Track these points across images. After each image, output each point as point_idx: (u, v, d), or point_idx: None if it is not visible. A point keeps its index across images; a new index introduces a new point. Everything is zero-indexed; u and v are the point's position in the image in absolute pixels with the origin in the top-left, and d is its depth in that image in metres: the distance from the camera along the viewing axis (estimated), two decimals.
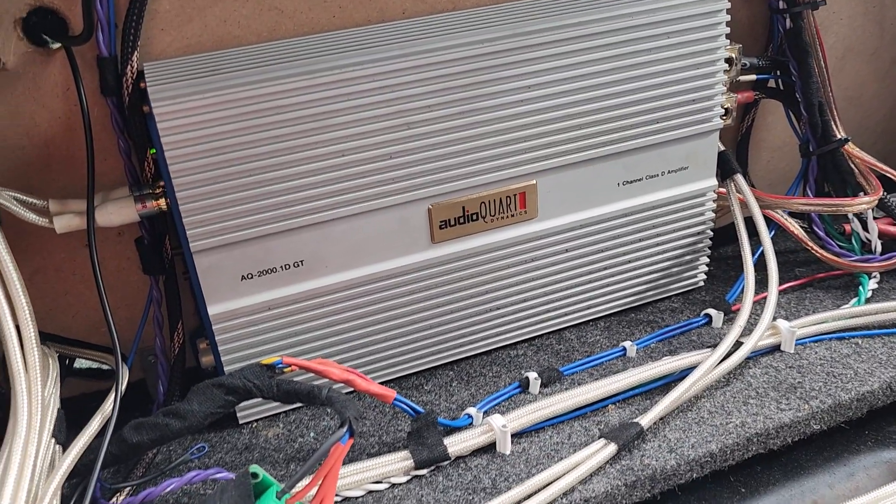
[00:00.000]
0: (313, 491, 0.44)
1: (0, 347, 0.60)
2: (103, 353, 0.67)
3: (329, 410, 0.66)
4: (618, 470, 0.56)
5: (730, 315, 0.73)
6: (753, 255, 0.72)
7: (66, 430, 0.54)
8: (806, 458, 0.61)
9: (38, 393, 0.50)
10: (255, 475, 0.41)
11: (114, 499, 0.56)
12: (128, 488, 0.58)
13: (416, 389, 0.68)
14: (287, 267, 0.60)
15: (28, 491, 0.47)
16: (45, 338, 0.62)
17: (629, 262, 0.73)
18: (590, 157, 0.67)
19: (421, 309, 0.66)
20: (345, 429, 0.45)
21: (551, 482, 0.54)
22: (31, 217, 0.55)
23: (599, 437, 0.58)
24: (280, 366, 0.54)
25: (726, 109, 0.71)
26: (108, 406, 0.55)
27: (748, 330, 0.66)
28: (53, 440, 0.52)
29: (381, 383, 0.67)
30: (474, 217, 0.65)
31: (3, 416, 0.52)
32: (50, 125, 0.58)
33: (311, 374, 0.55)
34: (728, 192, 0.75)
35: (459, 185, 0.63)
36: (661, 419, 0.60)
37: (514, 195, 0.66)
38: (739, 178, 0.75)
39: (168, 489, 0.55)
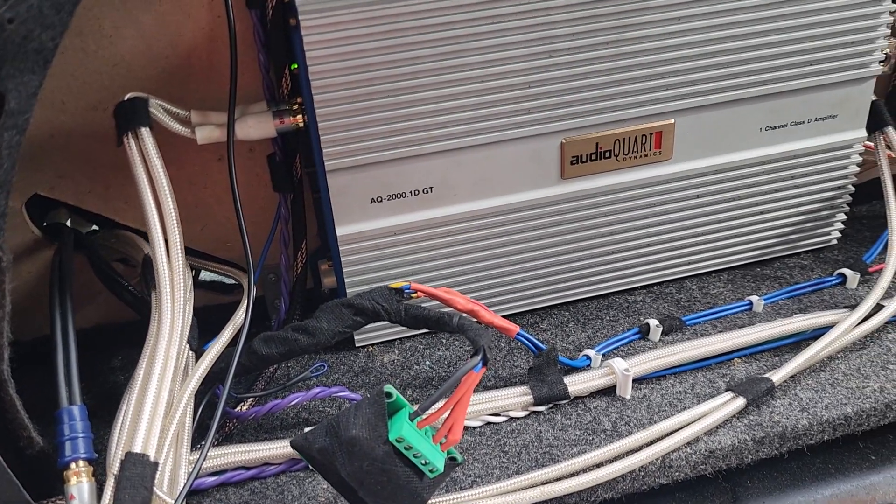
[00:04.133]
0: (443, 417, 0.44)
1: (132, 252, 0.63)
2: (229, 266, 0.68)
3: (444, 341, 0.66)
4: (745, 424, 0.54)
5: (865, 276, 0.69)
6: None
7: (198, 338, 0.56)
8: None
9: (180, 299, 0.51)
10: (388, 394, 0.41)
11: (238, 408, 0.58)
12: (251, 399, 0.59)
13: (531, 327, 0.67)
14: (416, 193, 0.60)
15: (169, 391, 0.49)
16: None
17: (761, 213, 0.70)
18: (733, 99, 0.63)
19: (543, 245, 0.65)
20: (479, 357, 0.44)
21: (675, 430, 0.53)
22: (176, 127, 0.56)
23: (726, 391, 0.56)
24: (407, 291, 0.54)
25: (886, 55, 0.66)
26: (240, 317, 0.57)
27: (889, 292, 0.62)
28: (188, 346, 0.54)
29: None
30: (607, 155, 0.63)
31: (144, 321, 0.54)
32: (194, 35, 0.58)
33: (436, 303, 0.54)
34: (876, 146, 0.70)
35: (595, 121, 0.61)
36: (791, 378, 0.57)
37: (650, 134, 0.63)
38: (891, 130, 0.69)
39: (293, 402, 0.56)
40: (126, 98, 0.53)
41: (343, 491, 0.43)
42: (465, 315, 0.52)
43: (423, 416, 0.42)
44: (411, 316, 0.53)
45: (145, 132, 0.52)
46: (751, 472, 0.55)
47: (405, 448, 0.40)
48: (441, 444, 0.42)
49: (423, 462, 0.41)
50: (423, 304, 0.54)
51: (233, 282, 0.70)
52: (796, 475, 0.55)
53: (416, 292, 0.54)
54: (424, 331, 0.65)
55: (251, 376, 0.62)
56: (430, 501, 0.47)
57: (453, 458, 0.43)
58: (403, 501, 0.42)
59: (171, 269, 0.51)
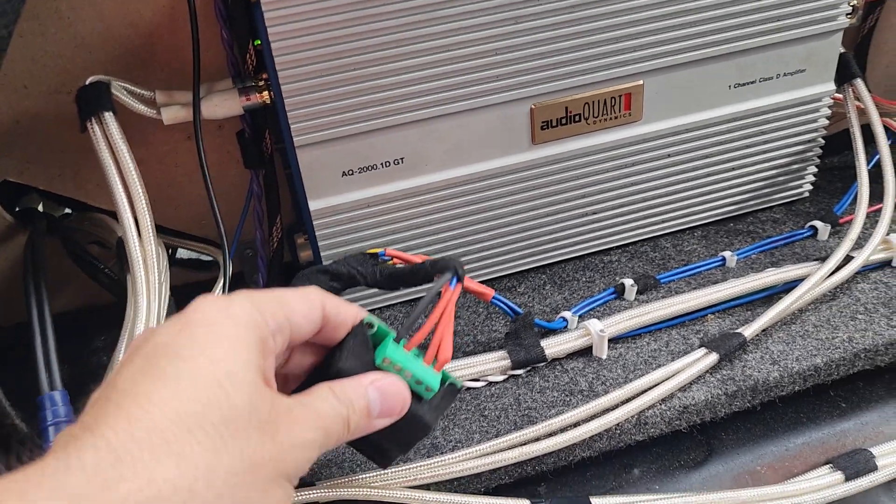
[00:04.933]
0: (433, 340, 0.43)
1: (105, 234, 0.63)
2: (205, 244, 0.68)
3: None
4: (718, 379, 0.55)
5: (836, 228, 0.70)
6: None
7: None
8: None
9: (154, 280, 0.51)
10: (370, 325, 0.39)
11: None
12: None
13: (508, 291, 0.68)
14: (387, 164, 0.60)
15: None
16: None
17: (733, 169, 0.71)
18: (702, 57, 0.63)
19: (517, 211, 0.65)
20: (450, 273, 0.42)
21: (650, 388, 0.54)
22: (141, 108, 0.56)
23: (700, 347, 0.57)
24: (383, 256, 0.55)
25: (853, 7, 0.66)
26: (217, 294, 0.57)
27: (859, 244, 0.63)
28: None
29: None
30: (577, 118, 0.63)
31: (122, 303, 0.54)
32: (154, 14, 0.57)
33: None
34: (845, 98, 0.71)
35: (564, 85, 0.61)
36: (763, 331, 0.59)
37: (620, 96, 0.63)
38: (859, 82, 0.70)
39: None
40: (87, 82, 0.53)
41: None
42: (440, 258, 0.51)
43: (408, 339, 0.40)
44: (386, 276, 0.53)
45: (109, 117, 0.52)
46: (724, 424, 0.57)
47: (396, 370, 0.38)
48: (433, 365, 0.39)
49: (416, 382, 0.38)
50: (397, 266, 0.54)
51: (210, 259, 0.70)
52: (769, 426, 0.57)
53: (391, 258, 0.55)
54: (403, 298, 0.65)
55: None
56: (414, 467, 0.48)
57: (452, 385, 0.41)
58: (407, 429, 0.39)
59: (144, 250, 0.51)
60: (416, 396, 0.39)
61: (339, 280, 0.54)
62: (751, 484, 0.54)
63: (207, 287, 0.59)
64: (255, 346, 0.32)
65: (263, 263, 0.67)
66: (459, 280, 0.42)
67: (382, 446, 0.40)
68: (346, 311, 0.38)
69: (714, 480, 0.54)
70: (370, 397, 0.35)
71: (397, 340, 0.39)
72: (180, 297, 0.58)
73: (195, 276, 0.73)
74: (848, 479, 0.52)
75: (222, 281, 0.58)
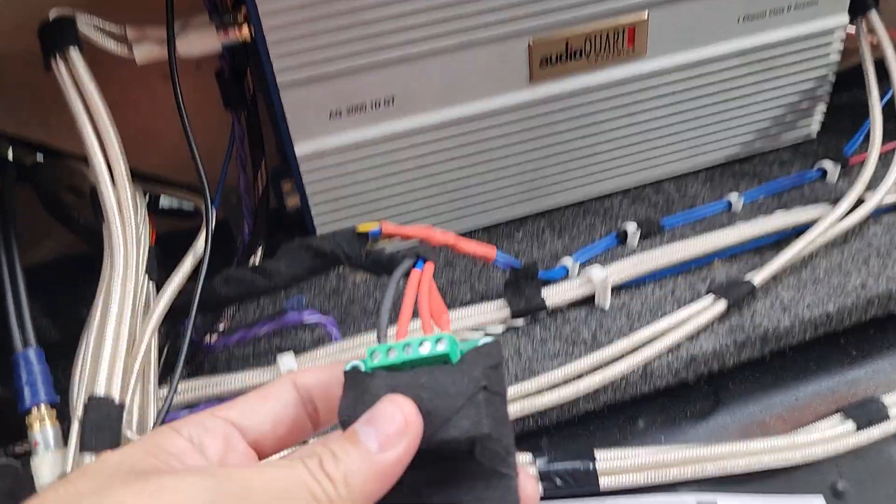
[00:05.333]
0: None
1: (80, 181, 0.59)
2: (188, 191, 0.65)
3: None
4: (727, 328, 0.53)
5: (847, 169, 0.68)
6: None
7: (157, 268, 0.54)
8: None
9: (131, 228, 0.48)
10: (355, 368, 0.29)
11: (207, 338, 0.56)
12: (221, 328, 0.57)
13: (506, 238, 0.65)
14: (377, 104, 0.56)
15: (129, 327, 0.46)
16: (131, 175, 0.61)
17: (739, 107, 0.67)
18: None
19: (515, 153, 0.62)
20: (411, 260, 0.36)
21: (656, 338, 0.52)
22: (111, 45, 0.51)
23: (707, 294, 0.55)
24: (377, 234, 0.51)
25: None
26: (200, 245, 0.54)
27: (872, 185, 0.61)
28: (147, 277, 0.52)
29: (470, 231, 0.65)
30: (577, 54, 0.59)
31: (92, 253, 0.51)
32: None
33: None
34: (858, 32, 0.67)
35: (564, 18, 0.57)
36: (773, 277, 0.56)
37: (623, 30, 0.59)
38: (874, 14, 0.66)
39: (263, 330, 0.54)
40: (51, 16, 0.48)
41: None
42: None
43: (390, 336, 0.32)
44: (371, 261, 0.51)
45: (74, 52, 0.48)
46: (732, 374, 0.55)
47: (393, 368, 0.29)
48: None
49: (422, 353, 0.28)
50: (385, 248, 0.51)
51: (193, 207, 0.67)
52: (778, 375, 0.55)
53: (381, 237, 0.52)
54: None
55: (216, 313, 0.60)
56: None
57: (485, 343, 0.29)
58: (446, 398, 0.27)
59: (118, 196, 0.48)
60: (436, 370, 0.28)
61: (323, 258, 0.51)
62: (759, 435, 0.52)
63: (192, 236, 0.56)
64: None
65: (248, 211, 0.63)
66: (427, 260, 0.35)
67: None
68: (330, 372, 0.31)
69: (721, 432, 0.52)
70: (359, 433, 0.27)
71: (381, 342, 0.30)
72: (165, 247, 0.55)
73: (180, 225, 0.70)
74: (860, 428, 0.51)
75: (206, 230, 0.55)
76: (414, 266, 0.36)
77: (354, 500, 0.25)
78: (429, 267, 0.36)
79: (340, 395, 0.29)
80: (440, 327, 0.32)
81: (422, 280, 0.34)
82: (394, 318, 0.32)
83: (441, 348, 0.28)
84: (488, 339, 0.29)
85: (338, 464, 0.26)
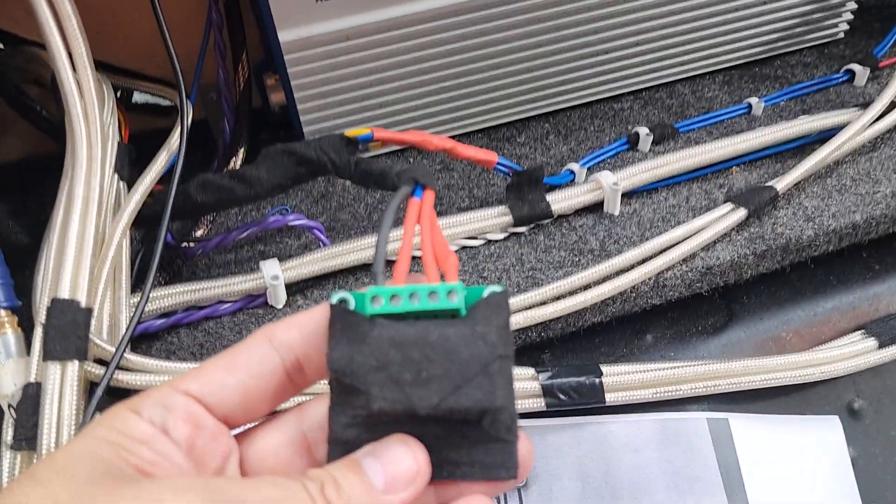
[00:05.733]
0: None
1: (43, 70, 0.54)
2: (163, 85, 0.60)
3: (411, 157, 0.59)
4: (746, 238, 0.49)
5: (876, 72, 0.63)
6: None
7: (129, 167, 0.49)
8: None
9: (95, 119, 0.44)
10: (343, 301, 0.26)
11: (184, 243, 0.52)
12: (199, 234, 0.53)
13: (507, 142, 0.60)
14: None
15: (96, 227, 0.42)
16: (98, 66, 0.55)
17: (762, 3, 0.62)
18: None
19: (519, 48, 0.57)
20: (410, 187, 0.30)
21: (669, 247, 0.48)
22: None
23: (725, 201, 0.51)
24: (367, 139, 0.47)
25: None
26: (175, 141, 0.49)
27: None
28: (117, 175, 0.47)
29: (469, 133, 0.60)
30: None
31: (59, 150, 0.47)
32: None
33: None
34: None
35: None
36: (795, 185, 0.52)
37: None
38: None
39: (245, 233, 0.50)
40: None
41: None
42: (406, 168, 0.42)
43: (389, 276, 0.28)
44: (360, 171, 0.46)
45: None
46: (747, 287, 0.52)
47: (396, 317, 0.26)
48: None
49: (430, 300, 0.26)
50: (374, 158, 0.46)
51: (169, 103, 0.62)
52: (796, 288, 0.52)
53: (371, 144, 0.47)
54: None
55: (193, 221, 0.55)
56: None
57: (492, 293, 0.26)
58: (458, 362, 0.25)
59: (80, 84, 0.43)
60: (440, 324, 0.26)
61: (308, 166, 0.46)
62: (775, 351, 0.49)
63: (167, 134, 0.51)
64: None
65: (229, 107, 0.58)
66: (426, 187, 0.31)
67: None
68: (314, 321, 0.27)
69: (735, 347, 0.49)
70: (363, 465, 0.25)
71: (377, 285, 0.26)
72: (140, 145, 0.50)
73: (154, 123, 0.65)
74: (882, 345, 0.48)
75: (180, 128, 0.50)
76: (412, 194, 0.31)
77: None
78: (429, 196, 0.30)
79: (327, 338, 0.26)
80: (446, 274, 0.28)
81: (422, 213, 0.29)
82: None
83: (453, 301, 0.25)
84: (497, 289, 0.26)
85: (340, 493, 0.23)
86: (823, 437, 0.47)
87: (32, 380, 0.39)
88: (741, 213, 0.49)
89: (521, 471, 0.27)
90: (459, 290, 0.26)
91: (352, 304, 0.26)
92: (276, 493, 0.23)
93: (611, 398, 0.44)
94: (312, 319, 0.26)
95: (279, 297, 0.49)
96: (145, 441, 0.23)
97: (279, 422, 0.27)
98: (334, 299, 0.26)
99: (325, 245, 0.51)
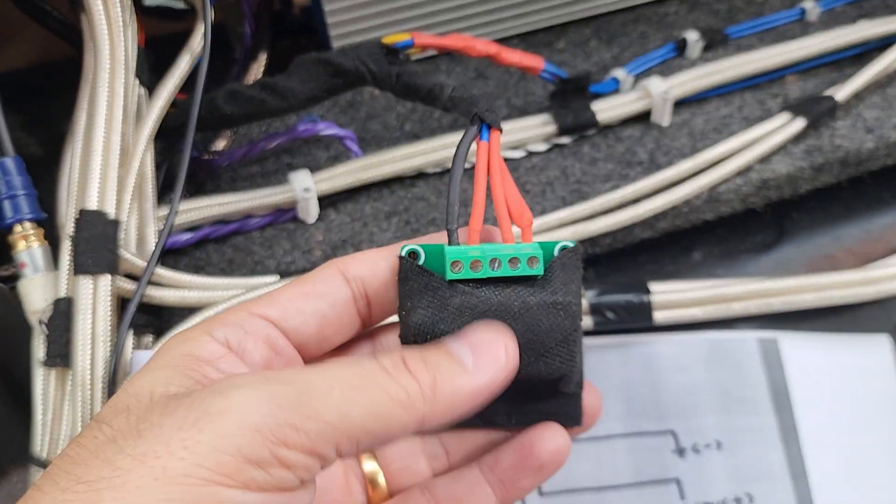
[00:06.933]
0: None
1: None
2: None
3: (444, 67, 0.56)
4: (803, 150, 0.47)
5: None
6: None
7: (147, 72, 0.46)
8: None
9: (117, 20, 0.40)
10: (413, 254, 0.26)
11: (207, 156, 0.50)
12: (222, 146, 0.51)
13: (546, 47, 0.57)
14: None
15: (122, 135, 0.40)
16: None
17: None
18: None
19: None
20: (475, 127, 0.29)
21: (724, 158, 0.46)
22: None
23: (782, 111, 0.48)
24: (404, 46, 0.43)
25: None
26: (197, 43, 0.46)
27: None
28: (138, 80, 0.44)
29: (504, 39, 0.57)
30: None
31: (74, 54, 0.44)
32: None
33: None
34: None
35: None
36: (855, 95, 0.49)
37: None
38: None
39: (274, 143, 0.48)
40: None
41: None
42: (457, 87, 0.39)
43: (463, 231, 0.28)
44: (403, 84, 0.42)
45: None
46: (798, 204, 0.49)
47: (475, 282, 0.25)
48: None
49: (510, 264, 0.25)
50: (417, 70, 0.43)
51: (182, 5, 0.58)
52: (849, 205, 0.49)
53: (411, 51, 0.44)
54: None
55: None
56: None
57: (564, 249, 0.26)
58: (540, 332, 0.25)
59: None
60: (519, 289, 0.26)
61: (344, 77, 0.43)
62: (827, 269, 0.47)
63: (183, 40, 0.48)
64: None
65: (249, 9, 0.55)
66: (492, 126, 0.29)
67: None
68: (385, 259, 0.26)
69: (785, 265, 0.47)
70: (451, 347, 0.24)
71: (451, 243, 0.26)
72: (154, 52, 0.47)
73: (169, 27, 0.61)
74: None
75: (203, 28, 0.47)
76: (480, 137, 0.28)
77: (436, 409, 0.22)
78: (495, 137, 0.28)
79: (396, 287, 0.26)
80: (523, 232, 0.27)
81: (491, 161, 0.27)
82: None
83: (533, 268, 0.25)
84: (569, 244, 0.26)
85: (427, 365, 0.22)
86: (873, 356, 0.46)
87: (63, 295, 0.37)
88: (800, 123, 0.46)
89: (587, 419, 0.29)
90: (540, 255, 0.26)
91: (422, 258, 0.26)
92: (343, 370, 0.21)
93: (659, 317, 0.43)
94: (384, 258, 0.26)
95: (311, 211, 0.46)
96: (212, 361, 0.22)
97: (349, 355, 0.27)
98: (403, 251, 0.26)
99: (356, 155, 0.49)
